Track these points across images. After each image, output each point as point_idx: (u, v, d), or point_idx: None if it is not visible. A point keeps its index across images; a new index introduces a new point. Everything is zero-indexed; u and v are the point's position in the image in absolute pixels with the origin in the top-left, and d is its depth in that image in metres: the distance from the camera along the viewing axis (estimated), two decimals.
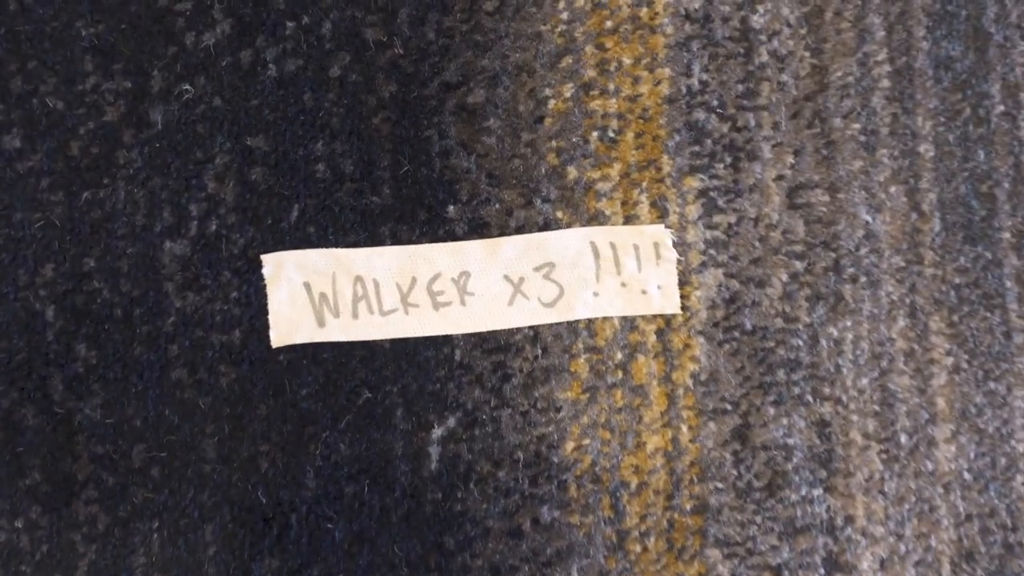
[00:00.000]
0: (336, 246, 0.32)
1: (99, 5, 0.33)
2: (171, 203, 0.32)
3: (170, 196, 0.32)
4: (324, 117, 0.33)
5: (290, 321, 0.32)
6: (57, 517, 0.32)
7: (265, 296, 0.32)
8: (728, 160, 0.32)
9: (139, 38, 0.33)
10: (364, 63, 0.33)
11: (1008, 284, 0.32)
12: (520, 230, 0.32)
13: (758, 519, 0.31)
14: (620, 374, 0.32)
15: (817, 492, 0.31)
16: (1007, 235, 0.32)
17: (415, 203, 0.33)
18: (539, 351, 0.32)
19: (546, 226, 0.32)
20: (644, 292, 0.32)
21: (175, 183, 0.32)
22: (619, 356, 0.32)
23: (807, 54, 0.33)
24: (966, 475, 0.31)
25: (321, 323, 0.32)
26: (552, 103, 0.33)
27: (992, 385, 0.32)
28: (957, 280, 0.32)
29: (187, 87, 0.33)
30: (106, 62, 0.33)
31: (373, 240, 0.32)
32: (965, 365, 0.32)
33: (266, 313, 0.32)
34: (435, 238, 0.32)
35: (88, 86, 0.33)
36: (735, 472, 0.31)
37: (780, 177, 0.32)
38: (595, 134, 0.33)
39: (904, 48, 0.33)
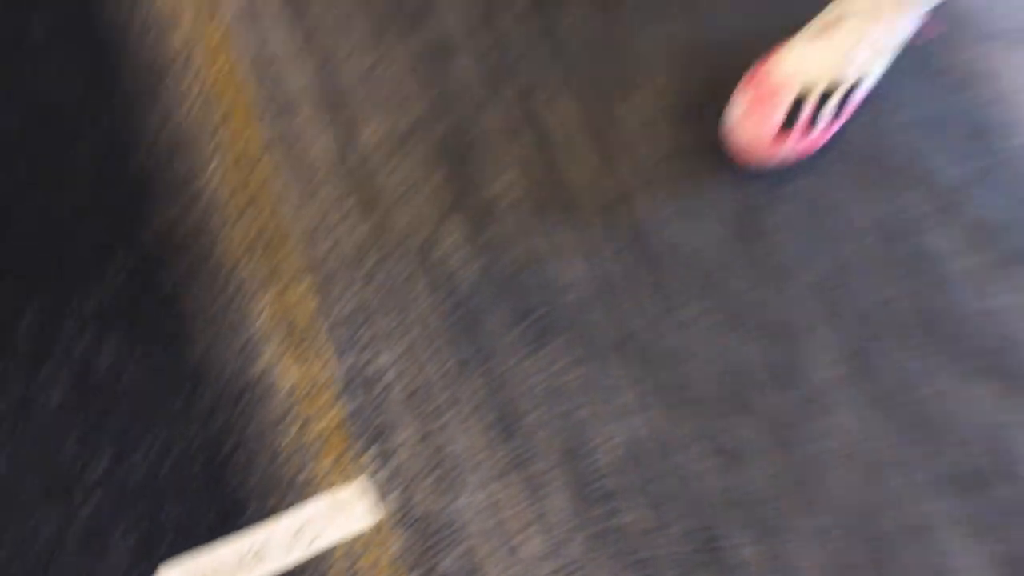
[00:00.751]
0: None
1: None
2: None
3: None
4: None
5: None
6: None
7: None
8: (380, 440, 0.61)
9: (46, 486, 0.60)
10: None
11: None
12: (284, 511, 0.59)
13: None
14: (357, 565, 0.58)
15: None
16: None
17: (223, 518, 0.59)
18: (314, 569, 0.58)
19: (299, 503, 0.59)
20: (360, 518, 0.59)
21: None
22: (353, 558, 0.58)
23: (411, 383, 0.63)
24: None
25: None
26: (286, 440, 0.61)
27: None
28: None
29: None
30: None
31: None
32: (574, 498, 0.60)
33: None
34: (238, 532, 0.59)
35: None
36: None
37: (414, 435, 0.62)
38: (312, 448, 0.61)
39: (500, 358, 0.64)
